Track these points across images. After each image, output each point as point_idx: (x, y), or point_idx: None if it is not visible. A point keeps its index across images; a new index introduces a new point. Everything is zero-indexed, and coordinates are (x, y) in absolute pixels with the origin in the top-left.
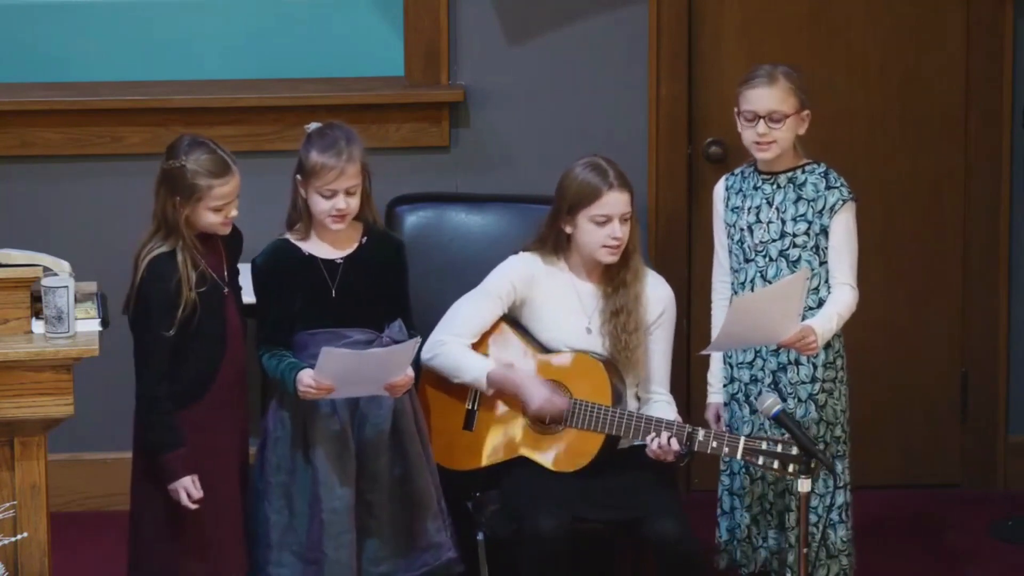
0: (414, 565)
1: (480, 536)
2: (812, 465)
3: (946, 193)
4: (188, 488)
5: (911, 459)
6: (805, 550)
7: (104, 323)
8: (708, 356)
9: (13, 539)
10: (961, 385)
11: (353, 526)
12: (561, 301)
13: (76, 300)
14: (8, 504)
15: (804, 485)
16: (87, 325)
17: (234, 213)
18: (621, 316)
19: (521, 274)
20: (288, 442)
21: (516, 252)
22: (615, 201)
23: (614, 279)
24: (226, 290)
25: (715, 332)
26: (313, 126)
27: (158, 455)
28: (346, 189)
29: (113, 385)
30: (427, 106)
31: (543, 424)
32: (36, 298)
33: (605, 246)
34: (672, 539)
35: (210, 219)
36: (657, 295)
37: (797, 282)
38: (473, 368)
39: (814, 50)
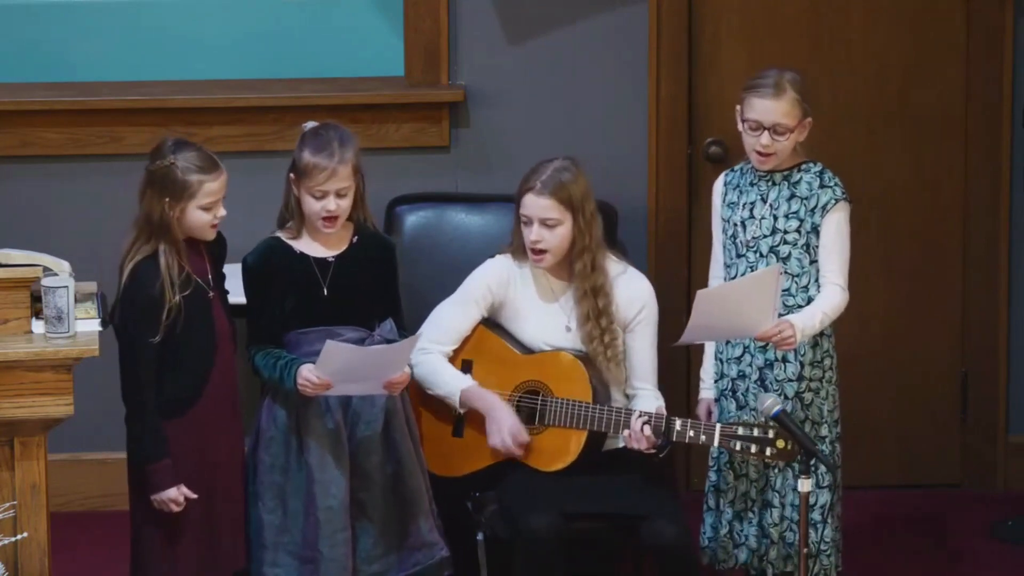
0: (406, 564)
1: (480, 536)
2: (813, 464)
3: (946, 193)
4: (174, 499)
5: (911, 459)
6: (805, 550)
7: (104, 323)
8: (702, 353)
9: (13, 539)
10: (961, 385)
11: (348, 524)
12: (539, 301)
13: (76, 300)
14: (8, 504)
15: (804, 485)
16: (87, 325)
17: (222, 213)
18: (590, 322)
19: (497, 277)
20: (282, 441)
21: (492, 255)
22: (532, 204)
23: (576, 275)
24: (211, 293)
25: None
26: (309, 125)
27: (143, 465)
28: (337, 191)
29: (113, 385)
30: (427, 106)
31: (528, 422)
32: (36, 298)
33: (529, 248)
34: (669, 541)
35: (200, 219)
36: (635, 292)
37: (767, 277)
38: (448, 384)
39: (814, 50)
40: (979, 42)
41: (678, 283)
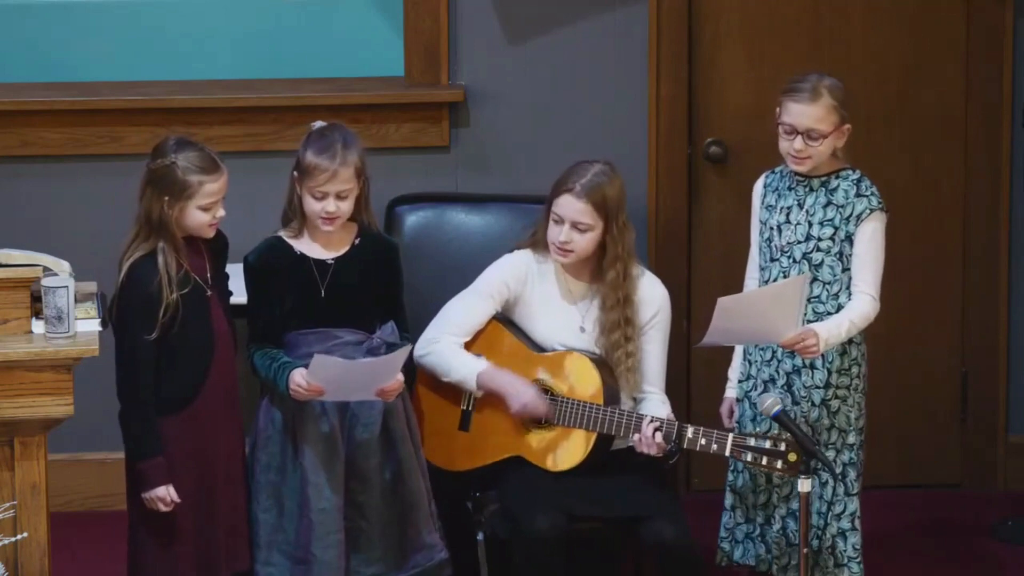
0: (405, 566)
1: (480, 536)
2: (813, 465)
3: (946, 193)
4: (162, 497)
5: (911, 459)
6: (805, 550)
7: (104, 323)
8: (732, 352)
9: (13, 539)
10: (961, 385)
11: (341, 526)
12: (554, 299)
13: (76, 300)
14: (8, 504)
15: (804, 485)
16: (87, 325)
17: (221, 213)
18: (619, 330)
19: (514, 272)
20: (278, 441)
21: (511, 250)
22: (567, 205)
23: (603, 280)
24: (209, 292)
25: None
26: (317, 125)
27: (135, 462)
28: (337, 192)
29: (113, 385)
30: (427, 106)
31: (534, 422)
32: (36, 298)
33: (556, 246)
34: (670, 542)
35: (198, 218)
36: (651, 296)
37: (793, 286)
38: (464, 368)
39: (814, 50)
40: (979, 42)
41: (678, 283)
